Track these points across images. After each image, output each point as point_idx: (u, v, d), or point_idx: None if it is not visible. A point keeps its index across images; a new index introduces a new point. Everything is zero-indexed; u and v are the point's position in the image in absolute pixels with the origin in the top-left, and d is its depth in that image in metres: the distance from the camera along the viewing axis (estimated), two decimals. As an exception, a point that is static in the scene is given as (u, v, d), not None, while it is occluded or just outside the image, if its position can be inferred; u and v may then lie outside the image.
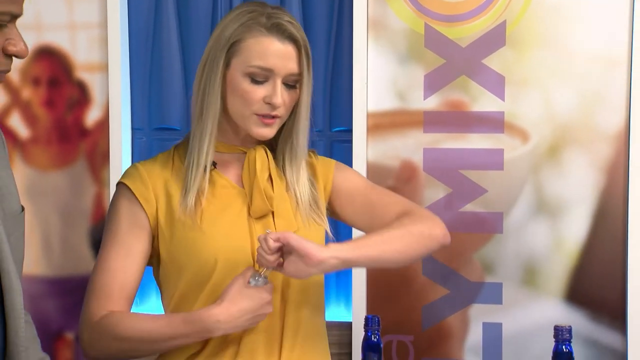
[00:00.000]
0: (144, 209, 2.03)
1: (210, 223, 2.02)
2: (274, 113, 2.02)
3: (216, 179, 2.07)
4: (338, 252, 1.91)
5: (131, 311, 2.04)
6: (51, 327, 2.92)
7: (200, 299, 2.02)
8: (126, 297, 2.02)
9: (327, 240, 2.13)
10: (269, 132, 2.04)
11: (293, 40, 2.01)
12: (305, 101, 2.06)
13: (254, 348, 2.01)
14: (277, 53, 2.00)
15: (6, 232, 1.74)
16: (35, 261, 2.89)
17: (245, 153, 2.10)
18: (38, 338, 1.90)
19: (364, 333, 1.89)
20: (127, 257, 2.02)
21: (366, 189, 2.18)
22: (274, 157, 2.12)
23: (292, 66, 2.01)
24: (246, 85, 2.01)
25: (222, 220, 2.03)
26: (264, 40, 2.00)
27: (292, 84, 2.03)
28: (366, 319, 1.89)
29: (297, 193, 2.10)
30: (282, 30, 2.00)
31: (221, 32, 2.03)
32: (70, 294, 2.91)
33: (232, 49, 2.01)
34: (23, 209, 1.83)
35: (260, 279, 1.94)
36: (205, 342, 2.01)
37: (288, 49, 2.01)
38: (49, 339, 2.91)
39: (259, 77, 2.00)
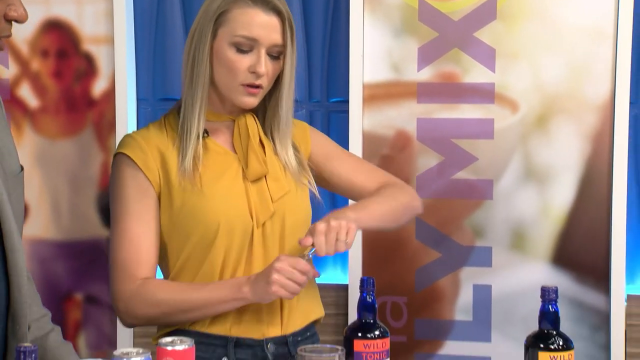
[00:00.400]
0: (147, 177, 2.04)
1: (210, 187, 2.04)
2: (257, 82, 2.05)
3: (210, 146, 2.09)
4: (358, 221, 2.04)
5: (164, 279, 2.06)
6: (60, 288, 2.93)
7: (205, 262, 2.04)
8: (153, 264, 2.04)
9: (313, 201, 2.18)
10: (252, 102, 2.07)
11: (277, 12, 2.05)
12: (288, 71, 2.09)
13: (257, 305, 2.04)
14: (261, 24, 2.03)
15: (7, 192, 1.76)
16: (45, 226, 2.91)
17: (234, 121, 2.12)
18: (38, 294, 1.92)
19: (359, 294, 1.91)
20: (144, 225, 2.02)
21: (343, 155, 2.25)
22: (262, 124, 2.15)
23: (275, 37, 2.04)
24: (232, 54, 2.04)
25: (221, 184, 2.06)
26: (249, 11, 2.03)
27: (275, 55, 2.07)
28: (362, 280, 1.91)
29: (285, 157, 2.13)
30: (267, 2, 2.04)
31: (209, 4, 2.06)
32: (78, 257, 2.93)
33: (219, 19, 2.04)
34: (22, 168, 1.84)
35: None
36: None
37: (272, 20, 2.04)
38: (59, 299, 2.93)
39: (244, 46, 2.04)
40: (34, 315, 1.85)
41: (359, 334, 1.87)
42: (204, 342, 2.03)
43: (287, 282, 1.94)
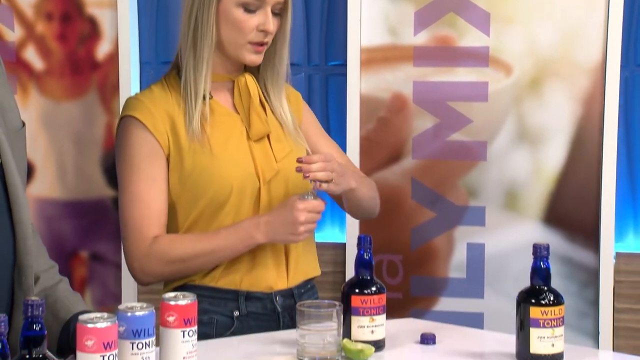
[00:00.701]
0: (157, 139, 2.04)
1: (219, 149, 2.05)
2: (265, 40, 2.07)
3: (215, 108, 2.09)
4: (353, 190, 2.14)
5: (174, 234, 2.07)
6: (66, 246, 2.95)
7: (214, 222, 2.06)
8: (163, 223, 2.04)
9: None
10: (259, 59, 2.09)
11: None
12: (287, 28, 2.11)
13: (265, 261, 2.07)
14: None
15: (10, 147, 1.76)
16: (51, 186, 2.92)
17: (233, 81, 2.13)
18: (44, 247, 1.93)
19: (357, 252, 1.92)
20: (154, 185, 2.03)
21: (326, 139, 2.26)
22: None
23: None
24: (240, 14, 2.05)
25: (229, 145, 2.07)
26: None
27: (277, 12, 2.08)
28: (359, 238, 1.92)
29: (282, 116, 2.14)
30: None
31: None
32: (84, 216, 2.95)
33: None
34: (24, 124, 1.84)
35: (309, 197, 2.01)
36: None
37: None
38: (65, 257, 2.95)
39: (252, 6, 2.05)
40: (41, 266, 1.87)
41: (356, 290, 1.89)
42: (215, 296, 2.05)
43: (312, 226, 2.01)
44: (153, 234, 2.03)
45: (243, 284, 2.06)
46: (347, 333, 1.88)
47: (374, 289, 1.89)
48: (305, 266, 2.14)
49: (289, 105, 2.19)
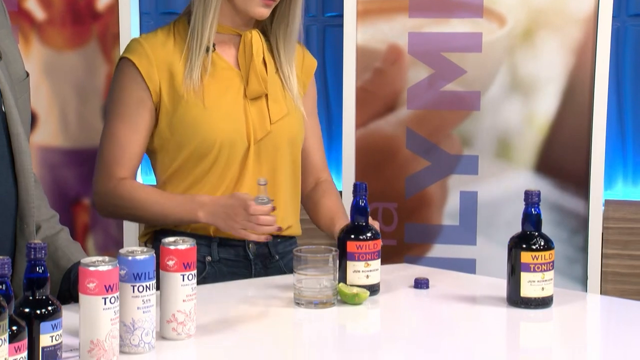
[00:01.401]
0: (148, 86, 2.03)
1: (212, 102, 2.04)
2: None
3: (216, 61, 2.07)
4: None
5: (138, 182, 2.07)
6: (69, 193, 2.95)
7: (193, 174, 2.05)
8: (133, 167, 2.04)
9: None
10: (266, 12, 2.05)
11: None
12: None
13: None
14: None
15: (14, 97, 1.75)
16: (53, 134, 2.91)
17: (240, 35, 2.10)
18: (46, 197, 1.93)
19: (352, 199, 1.92)
20: (134, 131, 2.02)
21: (316, 121, 2.21)
22: (266, 40, 2.12)
23: None
24: None
25: (223, 100, 2.05)
26: None
27: None
28: (355, 185, 1.92)
29: (288, 71, 2.11)
30: None
31: None
32: (85, 164, 2.94)
33: None
34: (27, 74, 1.83)
35: (263, 200, 1.96)
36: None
37: None
38: (67, 204, 2.95)
39: None
40: (43, 216, 1.86)
41: (352, 236, 1.89)
42: None
43: (259, 228, 1.95)
44: (120, 176, 2.03)
45: (215, 230, 2.05)
46: (342, 278, 1.88)
47: (369, 235, 1.89)
48: (284, 222, 2.11)
49: (302, 69, 2.16)
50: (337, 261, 1.86)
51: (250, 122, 2.05)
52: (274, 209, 1.94)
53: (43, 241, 1.79)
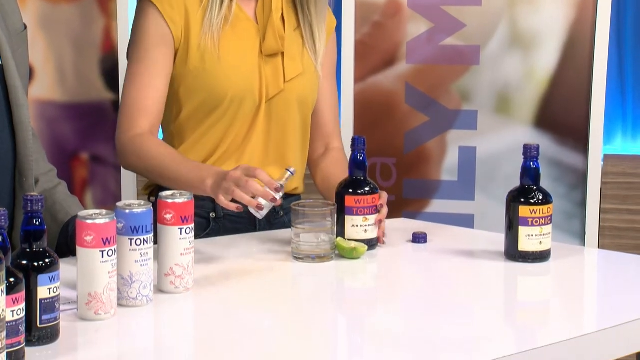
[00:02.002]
0: (171, 30, 1.99)
1: (227, 54, 2.01)
2: None
3: (236, 12, 2.03)
4: None
5: (160, 140, 2.03)
6: (67, 148, 2.94)
7: (200, 127, 2.03)
8: (157, 112, 2.00)
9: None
10: None
11: None
12: None
13: (253, 158, 2.05)
14: None
15: (11, 49, 1.74)
16: (50, 88, 2.90)
17: None
18: (44, 151, 1.92)
19: (351, 153, 1.91)
20: (156, 74, 1.99)
21: (332, 81, 2.17)
22: None
23: None
24: None
25: (239, 54, 2.02)
26: None
27: None
28: (353, 139, 1.90)
29: (317, 34, 2.07)
30: None
31: None
32: (83, 118, 2.93)
33: None
34: (25, 27, 1.81)
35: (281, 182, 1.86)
36: (208, 157, 2.04)
37: None
38: (66, 159, 2.94)
39: None
40: (41, 169, 1.86)
41: (350, 190, 1.89)
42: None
43: (236, 191, 1.78)
44: (141, 125, 1.98)
45: None
46: (340, 232, 1.88)
47: (367, 189, 1.89)
48: (293, 188, 2.10)
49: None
50: (335, 215, 1.85)
51: (263, 79, 2.03)
52: (275, 199, 1.80)
53: (41, 195, 1.79)
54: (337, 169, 2.10)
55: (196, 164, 1.95)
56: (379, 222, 1.90)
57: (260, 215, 1.81)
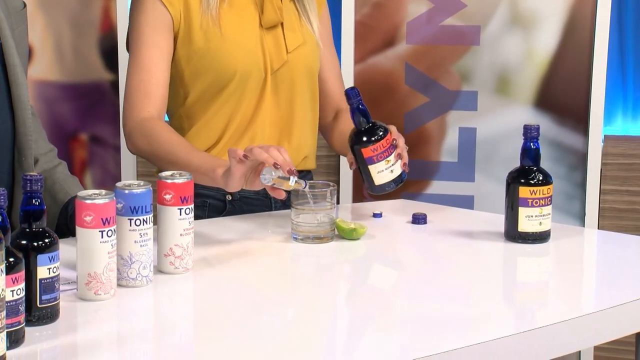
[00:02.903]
0: (169, 10, 1.99)
1: (230, 32, 2.00)
2: None
3: None
4: None
5: (169, 126, 2.01)
6: (66, 128, 2.94)
7: (209, 107, 2.03)
8: (162, 96, 2.00)
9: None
10: None
11: None
12: None
13: (263, 141, 2.04)
14: None
15: (10, 27, 1.73)
16: (49, 67, 2.89)
17: None
18: (44, 130, 1.92)
19: (349, 107, 1.88)
20: (158, 58, 1.98)
21: (331, 49, 2.17)
22: None
23: None
24: None
25: (240, 30, 2.02)
26: None
27: None
28: (346, 92, 1.86)
29: (307, 4, 2.08)
30: None
31: None
32: (82, 98, 2.93)
33: None
34: (25, 5, 1.80)
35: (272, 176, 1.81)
36: (220, 136, 2.04)
37: None
38: (65, 139, 2.94)
39: None
40: (41, 149, 1.86)
41: (364, 140, 1.87)
42: None
43: (254, 149, 1.75)
44: (147, 109, 1.98)
45: None
46: (369, 182, 1.87)
47: (380, 133, 1.87)
48: (302, 155, 2.11)
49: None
50: (335, 196, 1.85)
51: (267, 52, 2.03)
52: (293, 171, 1.77)
53: (40, 174, 1.79)
54: (347, 124, 2.09)
55: (208, 154, 1.94)
56: (399, 156, 1.90)
57: (291, 182, 1.76)
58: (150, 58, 1.99)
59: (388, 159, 1.88)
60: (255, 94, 2.03)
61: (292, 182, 1.77)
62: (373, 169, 1.87)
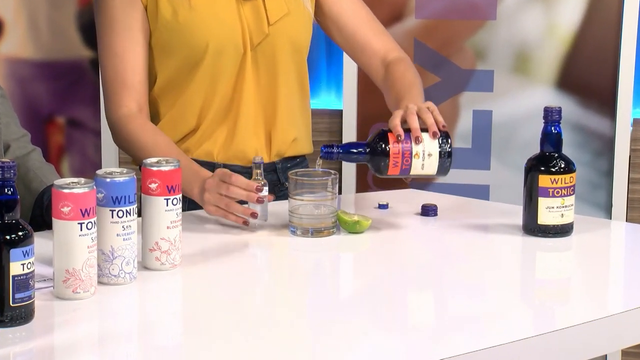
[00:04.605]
0: None
1: (200, 2, 2.01)
2: None
3: None
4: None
5: (150, 124, 2.01)
6: (41, 111, 2.94)
7: (185, 90, 2.02)
8: (140, 84, 2.00)
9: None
10: None
11: None
12: None
13: (245, 132, 2.04)
14: None
15: None
16: (22, 44, 2.89)
17: None
18: (16, 114, 1.92)
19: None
20: (131, 40, 1.98)
21: (360, 9, 2.15)
22: None
23: None
24: None
25: (212, 0, 2.02)
26: None
27: None
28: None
29: None
30: None
31: None
32: (60, 78, 2.93)
33: None
34: None
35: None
36: (198, 121, 2.04)
37: None
38: (40, 123, 2.94)
39: None
40: (12, 134, 1.86)
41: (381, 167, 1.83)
42: None
43: (221, 200, 1.83)
44: (127, 100, 1.98)
45: (219, 156, 2.05)
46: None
47: (379, 149, 1.83)
48: (294, 141, 2.10)
49: None
50: (337, 185, 1.86)
51: (245, 25, 2.02)
52: (262, 199, 1.82)
53: (12, 161, 1.79)
54: (392, 80, 2.07)
55: (187, 162, 1.93)
56: (435, 135, 1.84)
57: (261, 218, 1.84)
58: (122, 43, 1.99)
59: (415, 152, 1.84)
60: (233, 73, 2.03)
61: (265, 194, 1.81)
62: (414, 173, 1.85)
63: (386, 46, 2.14)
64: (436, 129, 1.84)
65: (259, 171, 1.86)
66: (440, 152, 1.84)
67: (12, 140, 1.85)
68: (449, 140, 1.85)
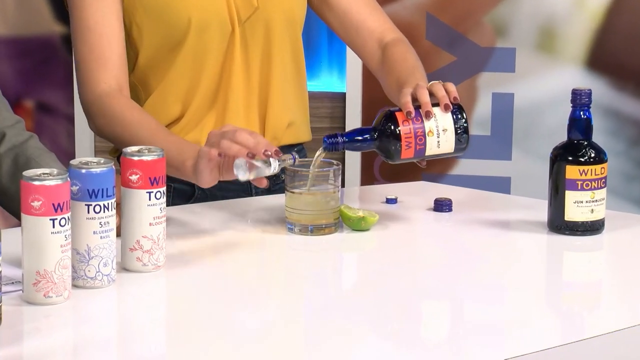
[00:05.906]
0: None
1: None
2: None
3: None
4: None
5: (132, 102, 2.01)
6: (8, 93, 2.92)
7: (168, 71, 2.02)
8: (119, 61, 1.99)
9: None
10: None
11: None
12: None
13: (236, 118, 2.05)
14: None
15: None
16: (-14, 19, 2.90)
17: None
18: (5, 99, 1.93)
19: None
20: (103, 9, 1.98)
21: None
22: None
23: None
24: None
25: None
26: None
27: None
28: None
29: None
30: None
31: None
32: (29, 56, 2.93)
33: None
34: None
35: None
36: (184, 107, 2.05)
37: None
38: (6, 107, 2.95)
39: None
40: (6, 121, 1.87)
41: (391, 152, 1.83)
42: None
43: (222, 141, 1.77)
44: (105, 77, 1.98)
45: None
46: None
47: (388, 132, 1.83)
48: (290, 128, 2.11)
49: None
50: (339, 177, 1.86)
51: (232, 0, 2.03)
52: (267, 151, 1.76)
53: (10, 151, 1.81)
54: (390, 63, 2.07)
55: (177, 139, 1.93)
56: (447, 107, 1.82)
57: (269, 170, 1.75)
58: (95, 15, 1.98)
59: (429, 129, 1.82)
60: (220, 52, 2.03)
61: (275, 168, 1.76)
62: (431, 153, 1.83)
63: (383, 25, 2.14)
64: (448, 102, 1.83)
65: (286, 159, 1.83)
66: (455, 128, 1.83)
67: (6, 127, 1.86)
68: (464, 114, 1.85)
